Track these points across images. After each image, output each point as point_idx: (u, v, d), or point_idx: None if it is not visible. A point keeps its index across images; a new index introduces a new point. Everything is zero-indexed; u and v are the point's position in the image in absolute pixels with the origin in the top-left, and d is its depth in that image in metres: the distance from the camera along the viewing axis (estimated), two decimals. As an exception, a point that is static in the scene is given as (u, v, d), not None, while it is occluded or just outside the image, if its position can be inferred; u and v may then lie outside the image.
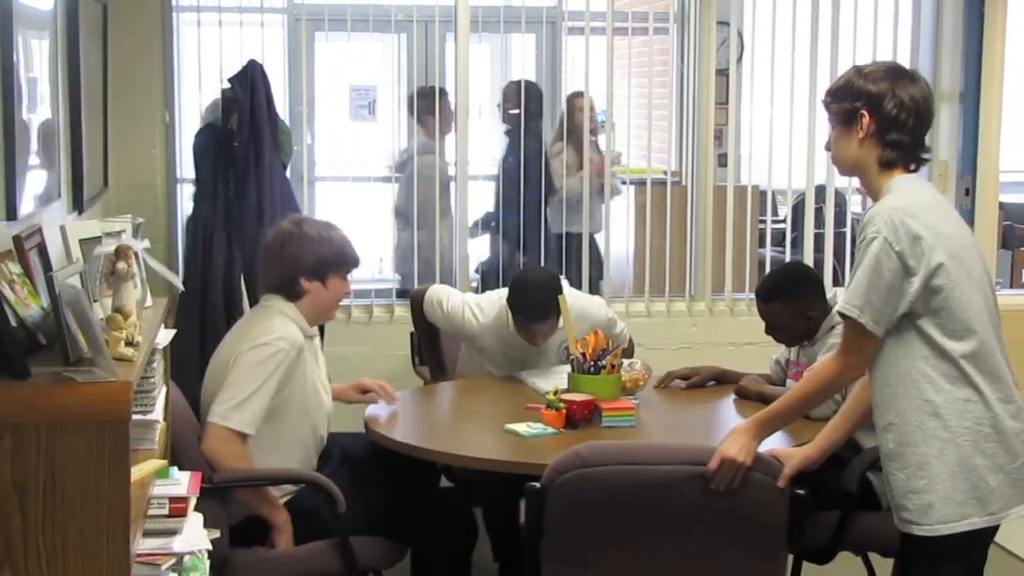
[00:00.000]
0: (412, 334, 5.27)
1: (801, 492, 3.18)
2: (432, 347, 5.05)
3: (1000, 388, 3.08)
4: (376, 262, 6.24)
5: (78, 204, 3.99)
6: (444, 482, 4.76)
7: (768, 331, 4.41)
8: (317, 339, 4.12)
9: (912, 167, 3.18)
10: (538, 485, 3.16)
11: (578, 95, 6.20)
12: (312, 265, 3.96)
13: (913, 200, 3.08)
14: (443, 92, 6.04)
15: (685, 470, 3.15)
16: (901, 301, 3.01)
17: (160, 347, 3.08)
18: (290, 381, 3.85)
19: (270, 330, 3.85)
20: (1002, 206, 6.60)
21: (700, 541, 3.20)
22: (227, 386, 3.77)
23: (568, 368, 4.35)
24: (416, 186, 6.01)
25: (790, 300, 4.35)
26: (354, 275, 5.52)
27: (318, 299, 3.99)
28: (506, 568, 4.76)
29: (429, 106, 6.06)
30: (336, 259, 4.01)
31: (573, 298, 4.77)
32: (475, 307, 4.80)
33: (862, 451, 4.16)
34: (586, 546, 3.20)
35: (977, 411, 3.05)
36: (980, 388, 3.05)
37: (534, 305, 4.59)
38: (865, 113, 3.10)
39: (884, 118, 3.10)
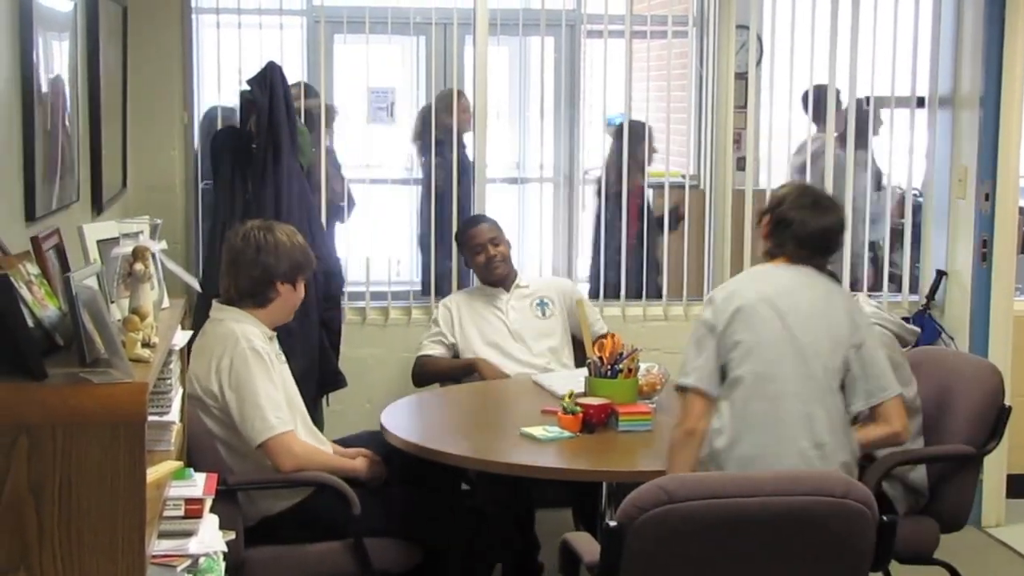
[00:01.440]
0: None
1: (887, 518, 3.10)
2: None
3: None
4: (393, 264, 6.22)
5: (96, 206, 4.00)
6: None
7: None
8: (275, 341, 4.13)
9: (797, 260, 3.64)
10: (614, 523, 2.98)
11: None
12: (287, 269, 4.03)
13: (736, 282, 3.71)
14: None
15: (776, 501, 3.01)
16: (714, 358, 3.51)
17: (177, 348, 3.08)
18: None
19: (229, 337, 3.91)
20: (1022, 211, 6.56)
21: (787, 570, 3.07)
22: (242, 408, 3.84)
23: (584, 370, 4.36)
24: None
25: None
26: (371, 276, 5.60)
27: (286, 302, 4.08)
28: (510, 571, 4.75)
29: None
30: (305, 263, 4.11)
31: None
32: (438, 308, 5.31)
33: (875, 460, 4.15)
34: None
35: None
36: None
37: (471, 217, 5.36)
38: (769, 214, 3.70)
39: (776, 220, 3.66)
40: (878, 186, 6.41)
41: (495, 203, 6.12)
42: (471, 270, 5.47)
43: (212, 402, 3.88)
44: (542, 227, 6.34)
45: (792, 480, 3.13)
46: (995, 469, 5.75)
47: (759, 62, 6.38)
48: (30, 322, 2.35)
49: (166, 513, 2.75)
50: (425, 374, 5.15)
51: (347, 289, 5.59)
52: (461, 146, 6.08)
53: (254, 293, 4.02)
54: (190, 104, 5.51)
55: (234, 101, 5.41)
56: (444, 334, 5.17)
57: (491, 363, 5.01)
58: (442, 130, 6.14)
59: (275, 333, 4.12)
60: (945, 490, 4.26)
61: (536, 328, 5.11)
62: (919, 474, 4.26)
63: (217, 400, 3.87)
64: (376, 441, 4.23)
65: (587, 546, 3.32)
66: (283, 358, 4.14)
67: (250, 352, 3.87)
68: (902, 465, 4.17)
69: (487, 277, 5.21)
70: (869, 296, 4.60)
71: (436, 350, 5.15)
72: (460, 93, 6.08)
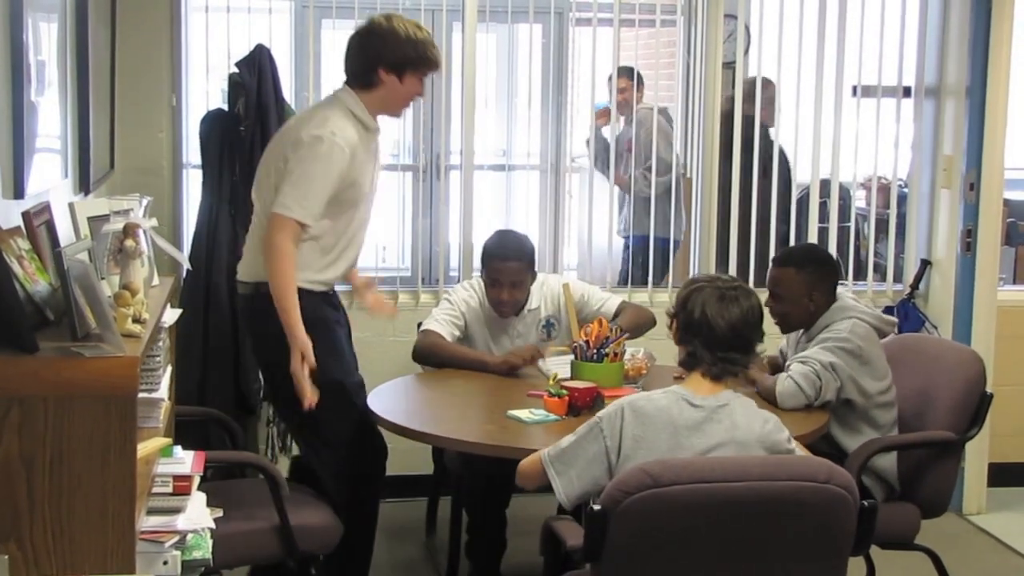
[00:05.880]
0: (419, 324, 5.28)
1: (868, 502, 3.12)
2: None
3: None
4: (380, 249, 6.23)
5: (84, 186, 4.00)
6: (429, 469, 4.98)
7: (769, 300, 4.40)
8: (378, 136, 4.27)
9: (712, 374, 3.30)
10: (598, 507, 2.98)
11: None
12: (393, 60, 4.11)
13: (643, 402, 3.28)
14: None
15: (761, 486, 3.00)
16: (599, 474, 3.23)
17: (166, 326, 3.09)
18: (347, 178, 4.04)
19: (325, 122, 4.04)
20: (1007, 203, 6.60)
21: (769, 554, 3.08)
22: (288, 177, 3.97)
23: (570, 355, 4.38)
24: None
25: (803, 271, 4.38)
26: (359, 263, 5.57)
27: (390, 93, 4.16)
28: (478, 569, 4.73)
29: None
30: (417, 59, 4.15)
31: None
32: (456, 289, 5.02)
33: (852, 451, 4.18)
34: (651, 569, 3.04)
35: None
36: None
37: (507, 243, 4.91)
38: (674, 320, 3.41)
39: (682, 325, 3.36)
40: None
41: (482, 190, 6.14)
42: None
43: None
44: (528, 214, 6.36)
45: (776, 465, 3.14)
46: (977, 457, 5.80)
47: (747, 51, 6.39)
48: (21, 296, 2.36)
49: (154, 490, 2.77)
50: (434, 356, 4.80)
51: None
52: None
53: (359, 74, 4.16)
54: (178, 87, 5.50)
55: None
56: (459, 315, 4.88)
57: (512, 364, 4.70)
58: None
59: (379, 126, 4.24)
60: (927, 476, 4.30)
61: (563, 357, 4.93)
62: (888, 462, 4.29)
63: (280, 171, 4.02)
64: None
65: (570, 530, 3.32)
66: (378, 157, 4.29)
67: (328, 142, 3.98)
68: (883, 452, 4.21)
69: (493, 297, 4.88)
70: (849, 285, 4.64)
71: (446, 329, 4.83)
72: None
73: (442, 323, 4.85)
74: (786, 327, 4.51)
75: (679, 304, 3.39)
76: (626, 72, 6.48)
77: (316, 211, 3.98)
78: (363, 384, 4.31)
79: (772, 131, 6.24)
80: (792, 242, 6.26)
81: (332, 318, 4.27)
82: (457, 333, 4.87)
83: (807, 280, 4.37)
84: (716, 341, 3.29)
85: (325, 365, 4.04)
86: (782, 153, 6.24)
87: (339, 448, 4.17)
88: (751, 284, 6.02)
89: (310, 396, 3.91)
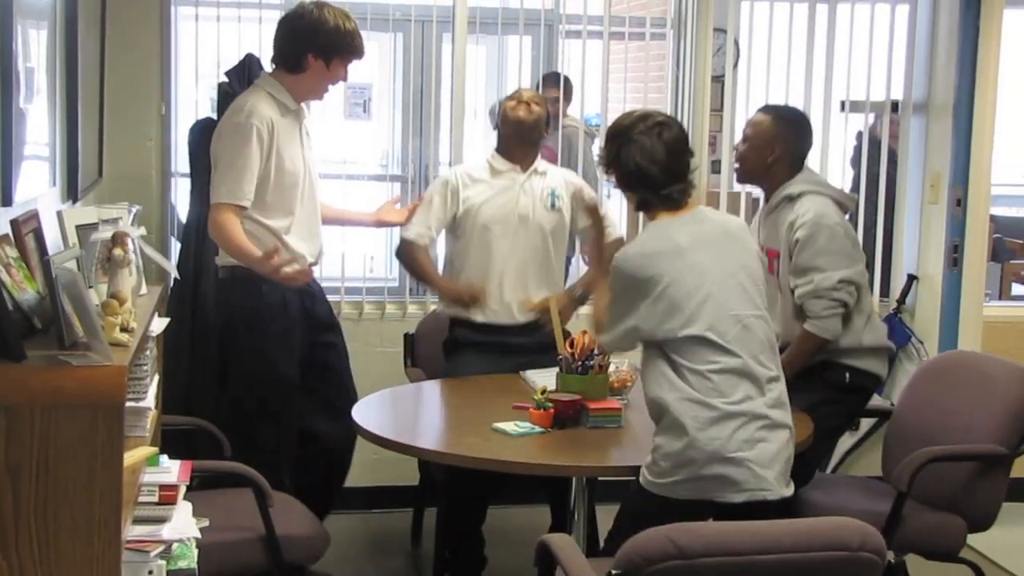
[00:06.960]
0: (405, 335, 5.28)
1: (894, 560, 2.99)
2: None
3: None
4: (367, 260, 6.23)
5: (72, 194, 3.99)
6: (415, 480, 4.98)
7: (739, 143, 4.60)
8: (304, 118, 4.52)
9: (669, 207, 3.62)
10: (616, 572, 2.69)
11: None
12: (322, 46, 4.35)
13: (641, 242, 3.65)
14: None
15: (792, 558, 2.78)
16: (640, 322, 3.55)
17: (153, 335, 3.09)
18: (273, 152, 4.29)
19: (242, 106, 4.32)
20: (993, 219, 6.63)
21: None
22: (215, 167, 4.30)
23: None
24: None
25: (777, 122, 4.46)
26: (346, 272, 5.57)
27: (315, 77, 4.42)
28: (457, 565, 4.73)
29: None
30: (344, 47, 4.40)
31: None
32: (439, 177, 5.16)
33: (902, 460, 4.16)
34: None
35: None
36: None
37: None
38: (612, 170, 3.69)
39: (622, 178, 3.68)
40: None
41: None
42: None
43: None
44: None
45: (808, 534, 2.90)
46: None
47: (736, 65, 6.41)
48: (8, 305, 2.36)
49: (140, 499, 2.77)
50: (410, 268, 5.08)
51: (322, 284, 5.58)
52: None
53: (287, 58, 4.38)
54: (167, 95, 5.50)
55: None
56: (431, 217, 4.92)
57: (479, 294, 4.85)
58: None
59: (300, 106, 4.48)
60: (975, 490, 4.29)
61: (542, 216, 4.94)
62: (873, 337, 4.46)
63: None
64: None
65: (571, 557, 3.06)
66: (305, 137, 4.49)
67: (244, 125, 4.23)
68: (935, 462, 4.18)
69: (512, 114, 4.89)
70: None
71: (417, 231, 4.91)
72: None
73: (414, 225, 4.93)
74: (742, 174, 4.61)
75: (611, 157, 3.66)
76: (554, 80, 6.47)
77: (244, 190, 4.24)
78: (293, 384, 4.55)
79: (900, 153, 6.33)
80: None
81: (296, 312, 4.49)
82: (431, 234, 4.95)
83: (774, 131, 4.43)
84: (658, 184, 3.59)
85: (273, 359, 4.44)
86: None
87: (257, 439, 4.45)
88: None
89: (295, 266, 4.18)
